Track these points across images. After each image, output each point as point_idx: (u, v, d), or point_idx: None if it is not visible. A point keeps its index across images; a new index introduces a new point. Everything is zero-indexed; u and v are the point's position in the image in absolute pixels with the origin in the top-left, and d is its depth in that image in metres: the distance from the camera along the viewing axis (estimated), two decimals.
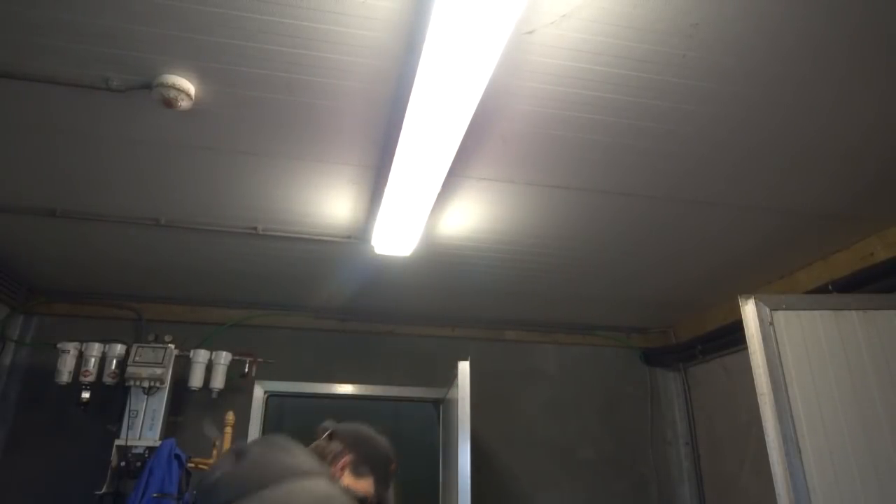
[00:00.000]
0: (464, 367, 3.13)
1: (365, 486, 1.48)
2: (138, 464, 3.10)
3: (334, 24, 1.58)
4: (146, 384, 3.26)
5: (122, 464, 3.13)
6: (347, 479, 1.45)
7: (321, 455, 1.42)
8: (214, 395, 3.52)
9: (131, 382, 3.25)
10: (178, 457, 2.99)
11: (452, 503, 3.00)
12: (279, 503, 1.08)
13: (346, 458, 1.47)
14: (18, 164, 2.32)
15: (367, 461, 1.50)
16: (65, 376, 3.28)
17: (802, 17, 1.54)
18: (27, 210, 2.65)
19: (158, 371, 3.27)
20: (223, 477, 1.15)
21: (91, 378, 3.30)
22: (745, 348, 2.47)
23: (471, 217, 2.70)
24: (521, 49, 1.65)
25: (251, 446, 1.24)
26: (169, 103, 1.80)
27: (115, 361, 3.34)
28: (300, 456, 1.22)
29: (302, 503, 1.09)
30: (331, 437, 1.51)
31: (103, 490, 3.06)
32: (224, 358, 3.52)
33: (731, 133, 2.04)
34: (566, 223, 2.75)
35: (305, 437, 1.42)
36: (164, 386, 3.31)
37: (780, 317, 2.47)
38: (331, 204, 2.60)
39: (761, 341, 2.41)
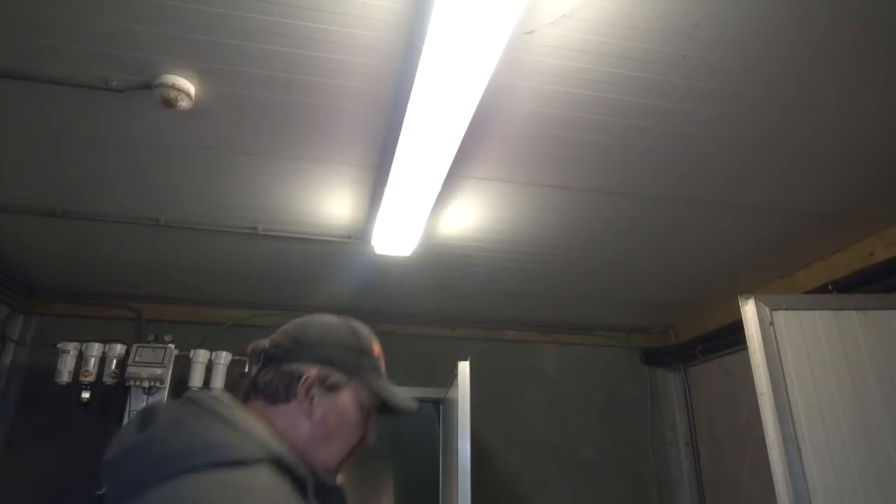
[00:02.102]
0: (464, 367, 3.13)
1: (349, 399, 1.01)
2: None
3: (334, 23, 1.58)
4: (146, 384, 3.26)
5: None
6: (324, 407, 0.98)
7: (272, 397, 0.98)
8: None
9: (131, 382, 3.25)
10: None
11: (452, 503, 3.00)
12: None
13: (305, 380, 0.98)
14: (18, 164, 2.32)
15: (333, 365, 1.01)
16: (65, 376, 3.28)
17: (803, 16, 1.54)
18: (27, 210, 2.65)
19: (158, 371, 3.27)
20: (119, 455, 0.85)
21: (91, 378, 3.29)
22: (745, 348, 2.47)
23: (471, 217, 2.70)
24: (521, 49, 1.65)
25: (161, 408, 0.90)
26: (169, 103, 1.80)
27: (115, 361, 3.34)
28: (232, 423, 0.86)
29: None
30: (268, 360, 1.02)
31: (103, 490, 3.05)
32: (224, 358, 3.52)
33: (731, 133, 2.04)
34: (566, 223, 2.75)
35: None
36: (164, 386, 3.31)
37: (780, 317, 2.47)
38: (331, 204, 2.60)
39: (761, 341, 2.41)
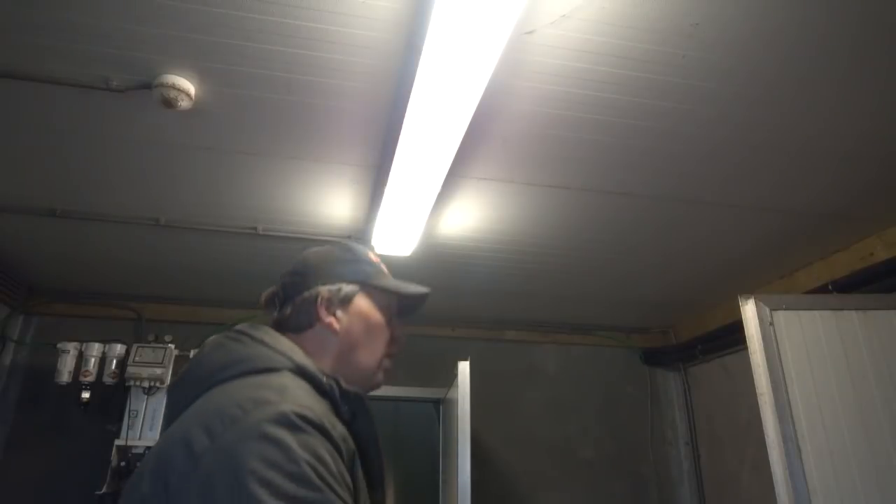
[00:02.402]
0: (464, 367, 3.13)
1: (365, 304, 1.06)
2: (138, 464, 3.10)
3: (334, 24, 1.58)
4: (146, 384, 3.26)
5: (122, 464, 3.13)
6: (346, 319, 1.04)
7: (298, 328, 1.03)
8: None
9: (131, 382, 3.25)
10: None
11: (452, 503, 3.00)
12: (204, 414, 0.82)
13: (320, 301, 1.03)
14: (18, 164, 2.32)
15: (340, 280, 1.06)
16: (65, 376, 3.28)
17: (803, 17, 1.54)
18: (27, 210, 2.65)
19: (158, 371, 3.27)
20: (174, 383, 0.96)
21: (91, 378, 3.30)
22: (745, 348, 2.47)
23: (471, 217, 2.70)
24: (521, 49, 1.65)
25: (210, 339, 0.99)
26: (169, 103, 1.80)
27: (115, 361, 3.34)
28: (264, 342, 0.95)
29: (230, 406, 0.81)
30: (283, 300, 1.07)
31: (103, 490, 3.05)
32: None
33: (731, 133, 2.04)
34: (566, 223, 2.75)
35: None
36: (164, 386, 3.30)
37: (780, 317, 2.47)
38: (331, 204, 2.60)
39: (761, 341, 2.41)
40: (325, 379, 0.93)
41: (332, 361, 1.02)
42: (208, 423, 0.80)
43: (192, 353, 3.47)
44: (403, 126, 1.87)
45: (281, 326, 1.04)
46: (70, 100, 1.88)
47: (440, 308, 4.00)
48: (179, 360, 3.46)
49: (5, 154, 2.24)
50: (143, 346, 3.36)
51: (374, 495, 0.94)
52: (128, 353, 3.35)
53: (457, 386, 3.12)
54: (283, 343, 0.96)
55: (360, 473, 0.89)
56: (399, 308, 1.14)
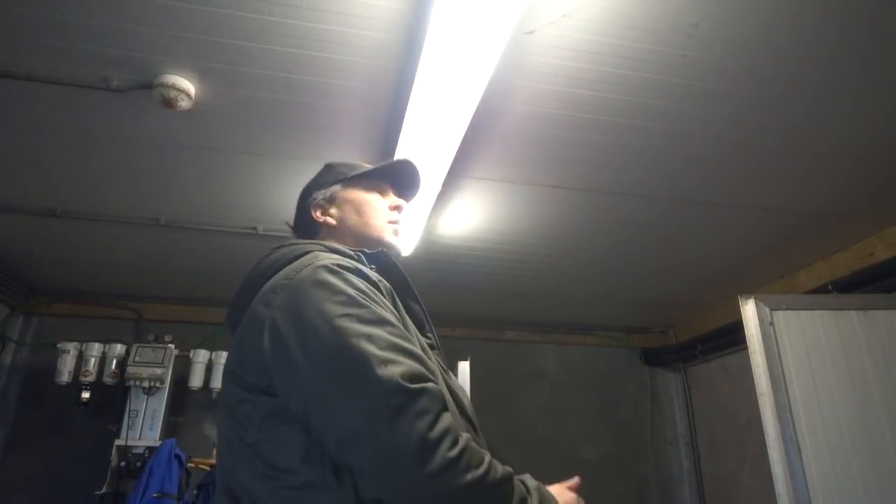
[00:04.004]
0: (464, 367, 3.13)
1: (352, 193, 1.23)
2: (138, 464, 3.10)
3: (334, 24, 1.58)
4: (146, 384, 3.26)
5: (123, 464, 3.13)
6: (340, 211, 1.22)
7: (309, 234, 1.22)
8: (214, 395, 3.52)
9: (131, 382, 3.25)
10: (178, 457, 2.99)
11: None
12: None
13: (313, 207, 1.24)
14: (18, 164, 2.32)
15: (323, 186, 1.25)
16: (65, 376, 3.29)
17: (803, 17, 1.54)
18: (27, 210, 2.65)
19: (158, 371, 3.27)
20: (228, 309, 1.09)
21: (91, 378, 3.30)
22: (745, 348, 2.47)
23: (471, 217, 2.70)
24: (522, 49, 1.65)
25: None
26: (169, 103, 1.80)
27: (115, 361, 3.34)
28: (296, 242, 1.10)
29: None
30: (295, 226, 1.30)
31: (103, 490, 3.05)
32: (224, 358, 3.52)
33: (731, 133, 2.04)
34: (566, 223, 2.75)
35: None
36: (164, 386, 3.31)
37: (780, 317, 2.47)
38: None
39: (761, 341, 2.41)
40: (349, 251, 1.07)
41: (348, 243, 1.16)
42: (264, 298, 0.95)
43: (192, 353, 3.49)
44: (403, 126, 1.87)
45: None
46: (70, 100, 1.88)
47: (440, 308, 3.99)
48: (179, 360, 3.46)
49: (5, 154, 2.24)
50: (143, 346, 3.36)
51: (424, 336, 1.07)
52: (128, 353, 3.35)
53: None
54: (306, 240, 1.14)
55: (402, 310, 1.02)
56: (394, 182, 1.30)
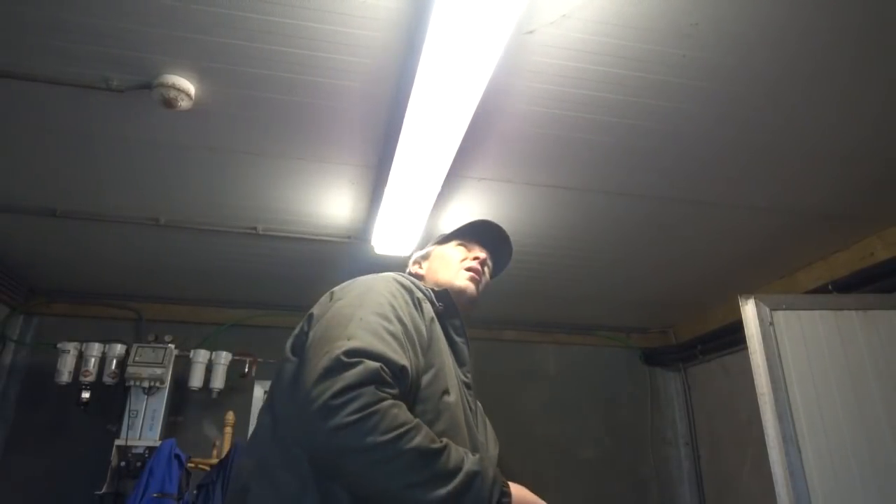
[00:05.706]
0: None
1: (441, 250, 1.58)
2: (138, 464, 3.10)
3: (334, 24, 1.58)
4: (146, 384, 3.26)
5: (122, 464, 3.13)
6: (423, 266, 1.58)
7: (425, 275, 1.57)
8: (214, 395, 3.51)
9: (131, 382, 3.25)
10: (178, 457, 2.99)
11: None
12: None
13: (411, 262, 1.63)
14: (18, 164, 2.32)
15: (433, 244, 1.65)
16: (65, 376, 3.28)
17: (803, 17, 1.54)
18: (27, 210, 2.65)
19: (158, 371, 3.27)
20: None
21: (91, 378, 3.29)
22: (745, 348, 2.47)
23: (471, 217, 2.68)
24: (522, 49, 1.65)
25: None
26: (169, 103, 1.80)
27: (115, 361, 3.34)
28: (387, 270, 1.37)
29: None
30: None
31: (103, 490, 3.05)
32: (224, 358, 3.52)
33: (731, 133, 2.04)
34: (566, 223, 2.75)
35: None
36: (164, 386, 3.31)
37: (780, 317, 2.47)
38: (331, 204, 2.60)
39: (761, 341, 2.41)
40: (420, 287, 1.31)
41: (430, 286, 1.42)
42: (333, 293, 1.23)
43: (192, 353, 3.49)
44: (403, 126, 1.87)
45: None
46: (70, 100, 1.88)
47: None
48: (179, 360, 3.46)
49: (5, 154, 2.24)
50: (143, 346, 3.36)
51: (460, 370, 1.31)
52: (128, 353, 3.34)
53: None
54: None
55: (440, 334, 1.26)
56: (475, 240, 1.60)
